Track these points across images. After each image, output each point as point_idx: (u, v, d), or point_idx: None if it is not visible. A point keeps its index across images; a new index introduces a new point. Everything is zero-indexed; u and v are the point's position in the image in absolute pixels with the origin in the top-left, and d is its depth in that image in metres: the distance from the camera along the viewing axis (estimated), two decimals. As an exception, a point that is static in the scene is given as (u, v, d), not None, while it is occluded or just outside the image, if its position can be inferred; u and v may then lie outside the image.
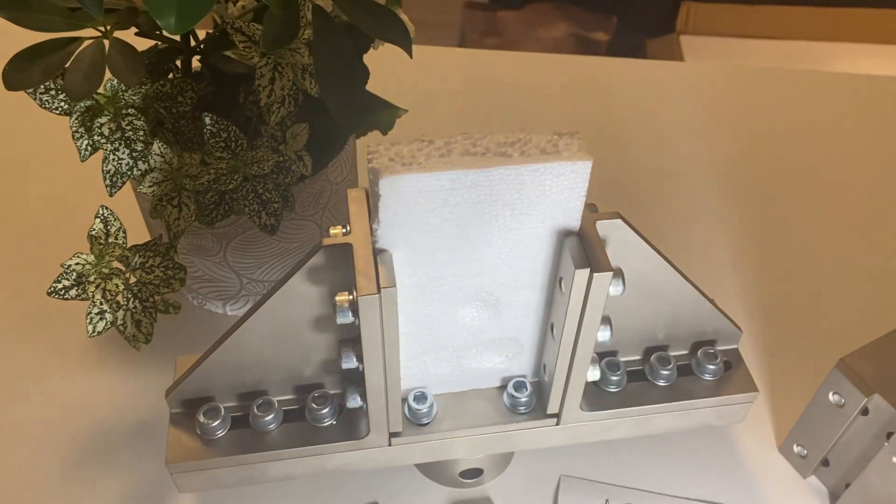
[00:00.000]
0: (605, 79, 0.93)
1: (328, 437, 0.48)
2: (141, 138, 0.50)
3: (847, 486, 0.54)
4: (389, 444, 0.49)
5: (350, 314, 0.41)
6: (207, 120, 0.49)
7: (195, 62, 0.56)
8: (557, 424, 0.50)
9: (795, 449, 0.56)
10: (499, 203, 0.40)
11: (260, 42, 0.43)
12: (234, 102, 0.55)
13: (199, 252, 0.60)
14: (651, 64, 1.00)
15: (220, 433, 0.48)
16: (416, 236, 0.41)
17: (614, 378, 0.51)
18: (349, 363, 0.44)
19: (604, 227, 0.43)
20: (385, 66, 0.62)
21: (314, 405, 0.49)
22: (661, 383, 0.52)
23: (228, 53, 0.50)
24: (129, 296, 0.51)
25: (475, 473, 0.55)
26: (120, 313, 0.51)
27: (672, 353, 0.53)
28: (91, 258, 0.49)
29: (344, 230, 0.44)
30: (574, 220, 0.41)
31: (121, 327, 0.51)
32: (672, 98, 0.91)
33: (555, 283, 0.44)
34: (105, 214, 0.50)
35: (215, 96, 0.56)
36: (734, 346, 0.54)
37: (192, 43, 0.55)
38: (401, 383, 0.45)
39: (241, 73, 0.53)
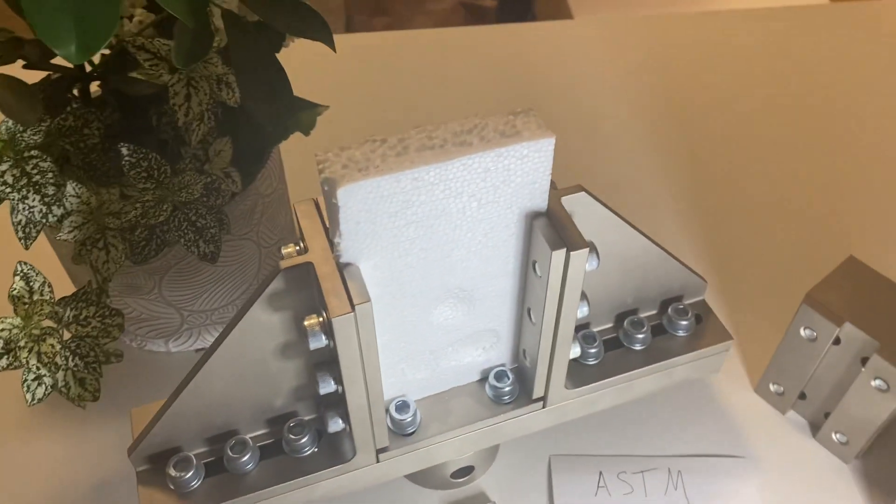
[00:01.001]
0: (503, 46, 0.92)
1: (312, 467, 0.46)
2: (51, 181, 0.45)
3: (826, 415, 0.55)
4: (377, 461, 0.46)
5: (323, 337, 0.38)
6: (124, 150, 0.44)
7: (94, 88, 0.52)
8: (544, 407, 0.49)
9: (772, 388, 0.57)
10: (464, 195, 0.37)
11: (173, 58, 0.39)
12: (146, 127, 0.51)
13: (132, 292, 0.55)
14: (542, 26, 0.99)
15: (195, 484, 0.45)
16: (382, 244, 0.38)
17: (592, 350, 0.50)
18: (327, 388, 0.41)
19: (569, 202, 0.41)
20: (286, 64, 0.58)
21: (291, 436, 0.46)
22: (638, 347, 0.51)
23: (134, 74, 0.46)
24: (67, 354, 0.46)
25: (467, 472, 0.53)
26: (60, 374, 0.46)
27: (642, 315, 0.52)
28: (17, 321, 0.44)
29: (297, 248, 0.41)
30: (541, 201, 0.40)
31: (63, 389, 0.47)
32: (570, 56, 0.90)
33: (527, 266, 0.42)
34: (25, 270, 0.45)
35: (123, 123, 0.51)
36: (701, 298, 0.54)
37: (88, 68, 0.50)
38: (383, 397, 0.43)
39: (150, 95, 0.49)
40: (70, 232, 0.46)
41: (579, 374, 0.50)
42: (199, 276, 0.56)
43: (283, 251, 0.41)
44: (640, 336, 0.51)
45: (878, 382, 0.49)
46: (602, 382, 0.50)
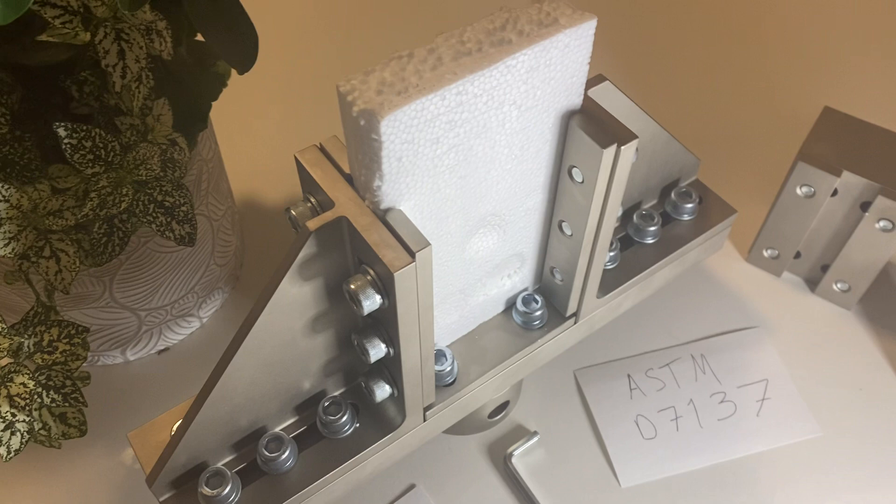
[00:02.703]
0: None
1: (359, 445, 0.41)
2: (-33, 188, 0.36)
3: (824, 268, 0.55)
4: (424, 421, 0.42)
5: (378, 297, 0.33)
6: (62, 131, 0.36)
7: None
8: (576, 323, 0.46)
9: (766, 253, 0.57)
10: (505, 104, 0.33)
11: (119, 3, 0.31)
12: (58, 103, 0.42)
13: (79, 302, 0.47)
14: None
15: (235, 498, 0.39)
16: (421, 180, 0.33)
17: (611, 254, 0.47)
18: (378, 353, 0.36)
19: (595, 94, 0.38)
20: None
21: (330, 417, 0.40)
22: (650, 241, 0.49)
23: (44, 38, 0.37)
24: (40, 390, 0.38)
25: (503, 408, 0.50)
26: (36, 414, 0.38)
27: (647, 207, 0.50)
28: (-30, 365, 0.36)
29: (310, 204, 0.35)
30: (577, 97, 0.35)
31: (43, 433, 0.39)
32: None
33: (560, 175, 0.39)
34: (-38, 303, 0.36)
35: (25, 104, 0.42)
36: (695, 178, 0.52)
37: (-34, 43, 0.41)
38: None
39: (56, 64, 0.40)
40: (7, 245, 0.37)
41: (603, 280, 0.47)
42: (154, 269, 0.48)
43: (293, 212, 0.35)
44: (652, 229, 0.49)
45: (883, 223, 0.49)
46: (627, 284, 0.47)
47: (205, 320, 0.55)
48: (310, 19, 0.78)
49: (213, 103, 0.47)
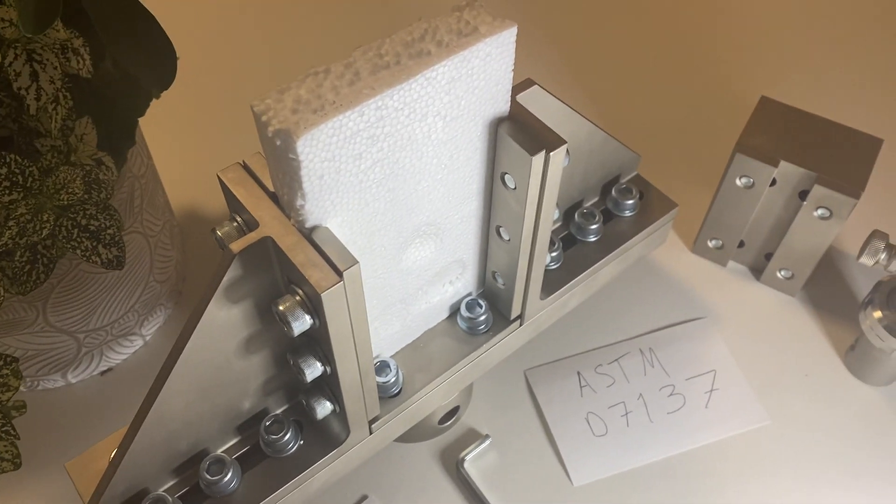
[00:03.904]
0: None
1: (303, 462, 0.40)
2: None
3: (767, 256, 0.56)
4: (370, 434, 0.42)
5: (307, 318, 0.32)
6: (-27, 160, 0.35)
7: None
8: (521, 325, 0.46)
9: (710, 244, 0.57)
10: (429, 116, 0.32)
11: (20, 26, 0.30)
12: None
13: (11, 328, 0.46)
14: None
15: (178, 523, 0.38)
16: (348, 196, 0.32)
17: (554, 254, 0.47)
18: (313, 372, 0.36)
19: (524, 99, 0.37)
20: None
21: (272, 436, 0.40)
22: (592, 239, 0.49)
23: (-49, 62, 0.36)
24: (-32, 426, 0.37)
25: (453, 413, 0.50)
26: (-35, 452, 0.37)
27: (588, 205, 0.50)
28: None
29: (236, 223, 0.34)
30: (503, 104, 0.35)
31: (-26, 468, 0.38)
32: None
33: (494, 181, 0.38)
34: None
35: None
36: (636, 174, 0.52)
37: None
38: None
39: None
40: (-76, 278, 0.36)
41: (548, 281, 0.47)
42: (88, 290, 0.47)
43: (219, 232, 0.34)
44: (594, 227, 0.48)
45: (820, 212, 0.50)
46: (571, 283, 0.47)
47: (148, 338, 0.54)
48: (242, 23, 0.76)
49: (148, 112, 0.46)
